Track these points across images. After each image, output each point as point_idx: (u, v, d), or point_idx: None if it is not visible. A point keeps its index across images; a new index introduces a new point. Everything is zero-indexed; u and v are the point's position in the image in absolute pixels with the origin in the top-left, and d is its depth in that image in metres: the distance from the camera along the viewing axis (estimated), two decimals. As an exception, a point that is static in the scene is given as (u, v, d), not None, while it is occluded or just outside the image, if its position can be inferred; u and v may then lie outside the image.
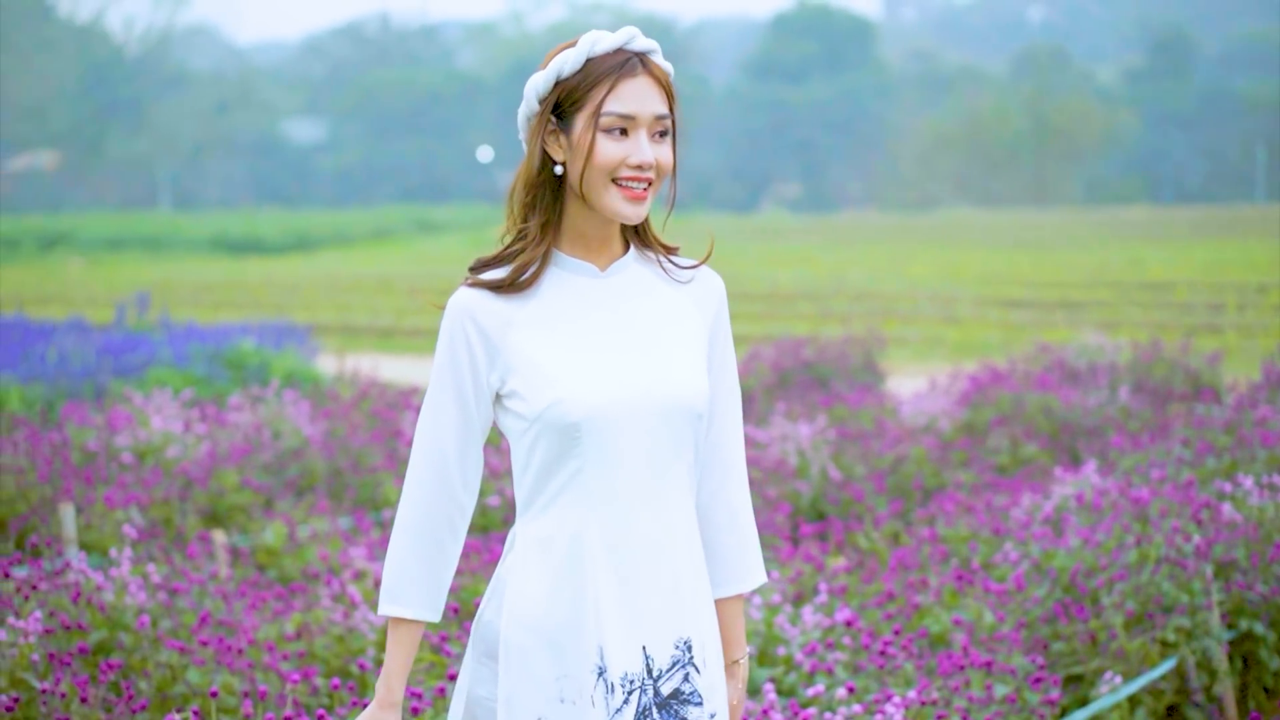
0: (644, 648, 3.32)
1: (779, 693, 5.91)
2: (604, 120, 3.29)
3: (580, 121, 3.31)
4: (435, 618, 3.40)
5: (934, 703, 5.37)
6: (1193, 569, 6.70)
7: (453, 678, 5.28)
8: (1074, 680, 6.54)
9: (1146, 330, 22.31)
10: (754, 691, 5.82)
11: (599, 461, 3.30)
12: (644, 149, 3.31)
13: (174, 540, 8.88)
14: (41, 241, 56.66)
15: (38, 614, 5.82)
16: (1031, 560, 7.09)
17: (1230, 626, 6.92)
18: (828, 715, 5.28)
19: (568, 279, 3.39)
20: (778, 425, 11.14)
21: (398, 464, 10.66)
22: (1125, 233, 50.78)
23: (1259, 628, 6.89)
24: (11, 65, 76.47)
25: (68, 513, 8.26)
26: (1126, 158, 75.73)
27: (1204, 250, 41.23)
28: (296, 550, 8.55)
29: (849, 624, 6.14)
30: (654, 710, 3.32)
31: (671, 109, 3.36)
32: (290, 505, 9.81)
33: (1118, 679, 6.19)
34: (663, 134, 3.35)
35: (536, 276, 3.37)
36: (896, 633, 5.99)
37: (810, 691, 5.45)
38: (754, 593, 6.56)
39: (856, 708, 5.26)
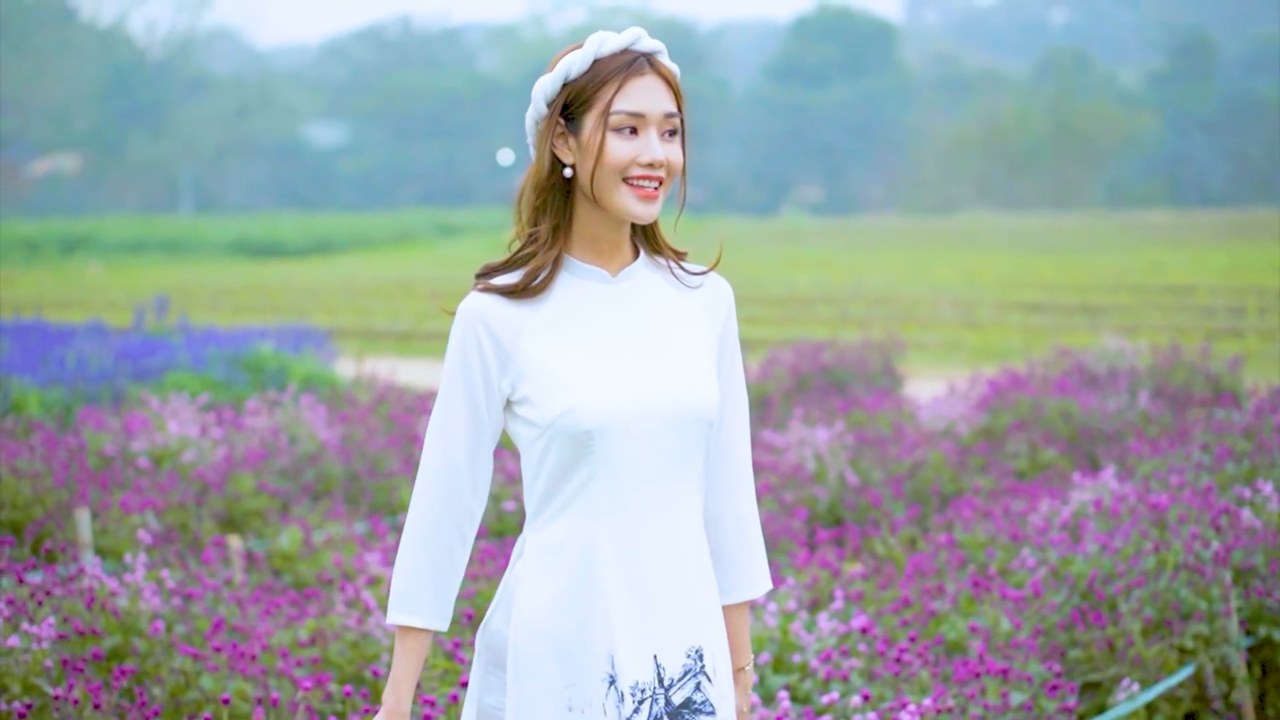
0: (655, 657, 3.31)
1: (794, 700, 5.90)
2: (613, 119, 3.29)
3: (589, 122, 3.30)
4: (444, 627, 3.39)
5: (950, 710, 5.35)
6: (1211, 575, 6.67)
7: (465, 685, 5.26)
8: (1091, 688, 6.51)
9: (1167, 334, 22.24)
10: (769, 699, 5.80)
11: (610, 469, 3.29)
12: (654, 147, 3.30)
13: (189, 545, 8.88)
14: (62, 245, 56.75)
15: (51, 620, 5.81)
16: (1049, 566, 7.06)
17: (1249, 633, 6.89)
18: (842, 723, 5.26)
19: (579, 284, 3.38)
20: (795, 430, 11.11)
21: (414, 469, 10.65)
22: (1146, 236, 50.67)
23: (1278, 634, 6.85)
24: (34, 69, 76.65)
25: (83, 518, 8.25)
26: (1148, 161, 75.53)
27: (1225, 253, 41.11)
28: (312, 555, 8.54)
29: (865, 631, 6.12)
30: (665, 720, 3.30)
31: (680, 108, 3.35)
32: (306, 510, 9.80)
33: (1135, 686, 6.16)
34: (672, 133, 3.35)
35: (548, 282, 3.35)
36: (912, 639, 5.97)
37: (825, 699, 5.43)
38: (770, 599, 6.55)
39: (872, 715, 5.24)
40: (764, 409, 14.51)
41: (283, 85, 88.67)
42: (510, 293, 3.34)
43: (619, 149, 3.29)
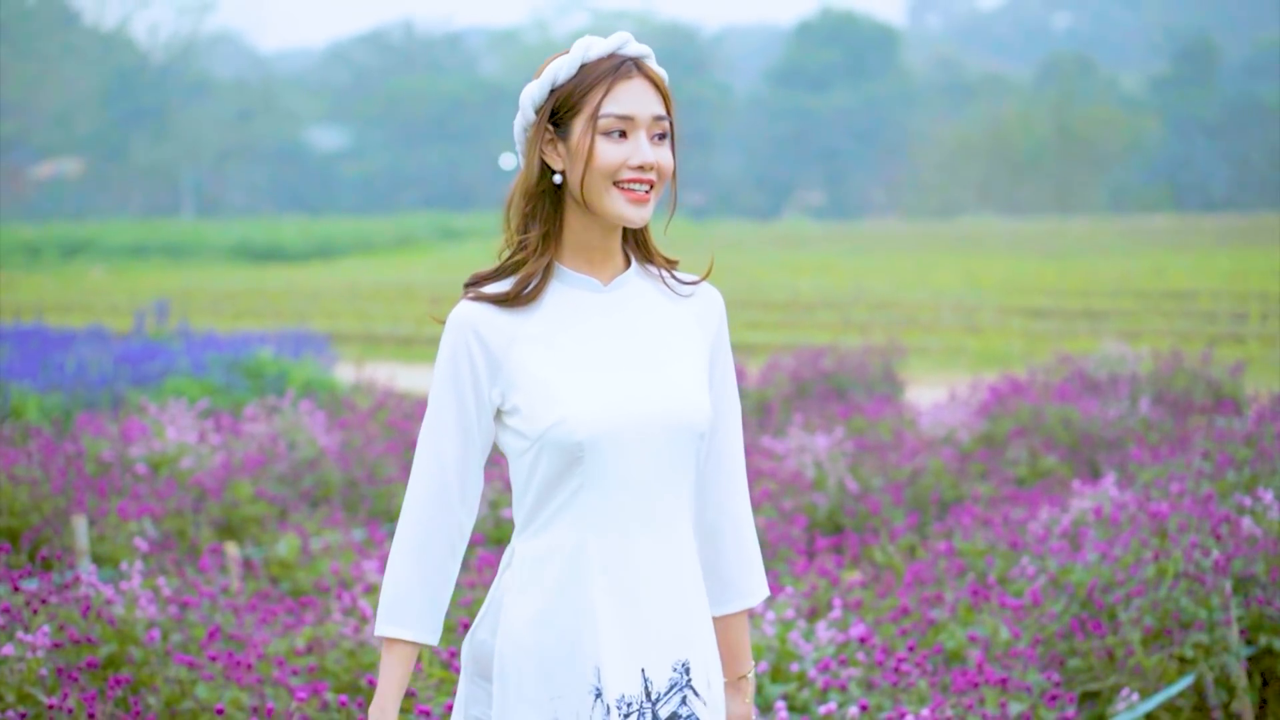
0: (643, 670, 3.29)
1: (791, 709, 5.87)
2: (602, 122, 3.26)
3: (578, 126, 3.28)
4: (434, 640, 3.36)
5: (948, 720, 5.33)
6: (1211, 584, 6.64)
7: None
8: (1090, 697, 6.48)
9: (1169, 340, 22.23)
10: (766, 708, 5.77)
11: (600, 480, 3.27)
12: (644, 149, 3.28)
13: (187, 552, 8.86)
14: (64, 249, 56.76)
15: (46, 628, 5.78)
16: (1049, 575, 7.03)
17: (1249, 642, 6.86)
18: (840, 733, 5.24)
19: (570, 293, 3.35)
20: (795, 437, 11.09)
21: (412, 476, 10.61)
22: (1149, 241, 50.66)
23: (1279, 644, 6.83)
24: (37, 73, 76.72)
25: (80, 525, 8.23)
26: (1151, 165, 75.52)
27: (1228, 259, 41.09)
28: (310, 563, 8.51)
29: (863, 640, 6.09)
30: (651, 733, 3.28)
31: (669, 111, 3.33)
32: (305, 517, 9.78)
33: (1135, 696, 6.13)
34: (662, 136, 3.32)
35: (539, 290, 3.33)
36: (911, 649, 5.94)
37: (823, 709, 5.40)
38: (768, 608, 6.52)
39: (868, 726, 5.21)
40: (764, 415, 14.50)
41: (285, 89, 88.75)
42: (501, 301, 3.31)
43: (608, 152, 3.27)
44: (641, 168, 3.28)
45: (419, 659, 5.97)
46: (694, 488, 3.46)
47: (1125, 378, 14.50)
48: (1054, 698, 5.75)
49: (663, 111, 3.31)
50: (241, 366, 16.83)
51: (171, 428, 11.42)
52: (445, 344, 3.33)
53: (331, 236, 60.91)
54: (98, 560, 8.57)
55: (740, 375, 15.09)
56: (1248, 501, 7.70)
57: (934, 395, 16.31)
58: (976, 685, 5.62)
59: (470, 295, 3.34)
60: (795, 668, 6.03)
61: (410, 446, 11.61)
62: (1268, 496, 7.60)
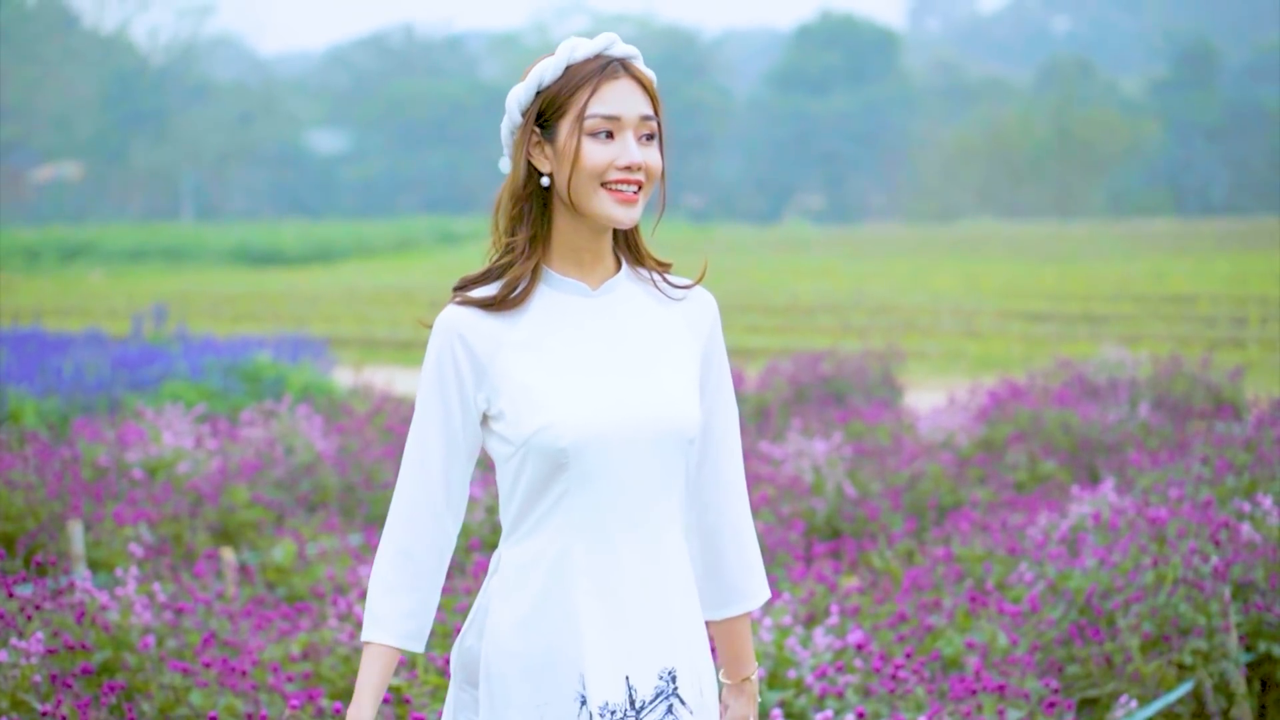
0: (627, 678, 3.26)
1: (788, 716, 5.86)
2: (588, 123, 3.24)
3: (564, 128, 3.26)
4: (417, 647, 3.34)
5: (945, 728, 5.30)
6: (1210, 590, 6.62)
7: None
8: (1089, 704, 6.46)
9: (1169, 343, 22.19)
10: (763, 715, 5.74)
11: (586, 486, 3.25)
12: (631, 150, 3.25)
13: (183, 558, 8.83)
14: (63, 252, 56.73)
15: (40, 634, 5.76)
16: (1047, 581, 7.01)
17: (1249, 649, 6.84)
18: (836, 741, 5.21)
19: (558, 298, 3.33)
20: (793, 441, 11.06)
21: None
22: (1149, 245, 50.67)
23: (1278, 650, 6.81)
24: (37, 76, 76.74)
25: (76, 530, 8.20)
26: (1151, 169, 75.54)
27: (1228, 263, 41.09)
28: (306, 568, 8.49)
29: (860, 647, 6.06)
30: (635, 741, 3.27)
31: (657, 112, 3.30)
32: (301, 522, 9.75)
33: (1133, 703, 6.11)
34: (650, 137, 3.30)
35: (527, 294, 3.31)
36: (908, 655, 5.92)
37: (820, 716, 5.38)
38: (765, 614, 6.50)
39: (865, 734, 5.18)
40: (762, 420, 14.48)
41: (285, 92, 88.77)
42: (488, 305, 3.30)
43: (595, 153, 3.25)
44: (629, 168, 3.25)
45: (415, 666, 5.96)
46: (685, 493, 3.45)
47: (1124, 382, 14.48)
48: (1052, 705, 5.72)
49: (650, 112, 3.29)
50: (239, 370, 16.81)
51: (168, 432, 11.39)
52: (431, 349, 3.31)
53: (331, 240, 60.90)
54: (94, 565, 8.55)
55: (738, 380, 15.07)
56: (1247, 507, 7.69)
57: (933, 400, 16.29)
58: (974, 692, 5.60)
59: (457, 299, 3.33)
60: (792, 674, 6.01)
61: (407, 451, 11.57)
62: (1267, 502, 7.58)
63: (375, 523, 10.31)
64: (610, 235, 3.37)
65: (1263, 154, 70.58)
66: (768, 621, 6.37)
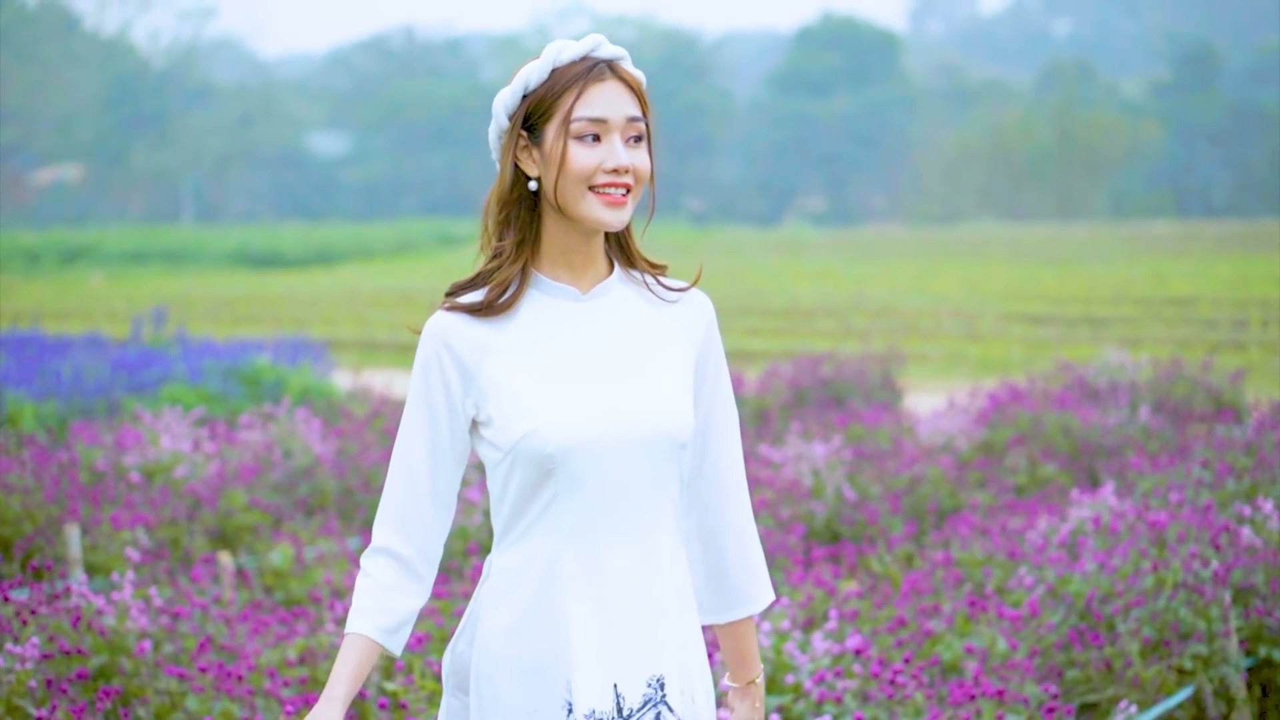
0: (615, 685, 3.24)
1: (786, 722, 5.83)
2: (575, 126, 3.22)
3: (551, 131, 3.24)
4: (397, 648, 3.30)
5: (944, 734, 5.28)
6: (1211, 595, 6.60)
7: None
8: (1088, 709, 6.44)
9: (1170, 346, 22.17)
10: (761, 720, 5.72)
11: (575, 492, 3.23)
12: (619, 153, 3.23)
13: (181, 561, 8.82)
14: (63, 255, 56.70)
15: (35, 639, 5.74)
16: (1046, 585, 6.99)
17: (1249, 653, 6.82)
18: (835, 747, 5.19)
19: (547, 303, 3.31)
20: (793, 445, 11.04)
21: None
22: (1150, 247, 50.65)
23: (1278, 655, 6.79)
24: (38, 78, 76.71)
25: (73, 534, 8.19)
26: (1152, 172, 75.53)
27: (1229, 265, 41.08)
28: (303, 572, 8.47)
29: (859, 651, 6.04)
30: (622, 749, 3.25)
31: (645, 113, 3.28)
32: (299, 525, 9.73)
33: (1133, 708, 6.08)
34: (638, 139, 3.28)
35: (515, 299, 3.29)
36: (907, 660, 5.89)
37: (818, 722, 5.36)
38: (763, 618, 6.48)
39: (864, 739, 5.16)
40: (762, 423, 14.46)
41: (286, 95, 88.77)
42: (475, 311, 3.28)
43: (582, 157, 3.23)
44: (616, 170, 3.23)
45: (411, 671, 5.94)
46: (682, 497, 3.42)
47: (1125, 385, 14.47)
48: (1052, 710, 5.70)
49: (638, 113, 3.27)
50: (238, 373, 16.79)
51: (166, 436, 11.37)
52: (418, 356, 3.32)
53: (331, 242, 60.90)
54: (91, 569, 8.53)
55: (738, 382, 15.06)
56: (1247, 511, 7.66)
57: (933, 403, 16.27)
58: (973, 697, 5.58)
59: (445, 305, 3.32)
60: (790, 679, 5.98)
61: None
62: (1267, 506, 7.56)
63: (373, 527, 10.29)
64: (601, 238, 3.35)
65: (1264, 156, 70.58)
66: (766, 626, 6.35)
